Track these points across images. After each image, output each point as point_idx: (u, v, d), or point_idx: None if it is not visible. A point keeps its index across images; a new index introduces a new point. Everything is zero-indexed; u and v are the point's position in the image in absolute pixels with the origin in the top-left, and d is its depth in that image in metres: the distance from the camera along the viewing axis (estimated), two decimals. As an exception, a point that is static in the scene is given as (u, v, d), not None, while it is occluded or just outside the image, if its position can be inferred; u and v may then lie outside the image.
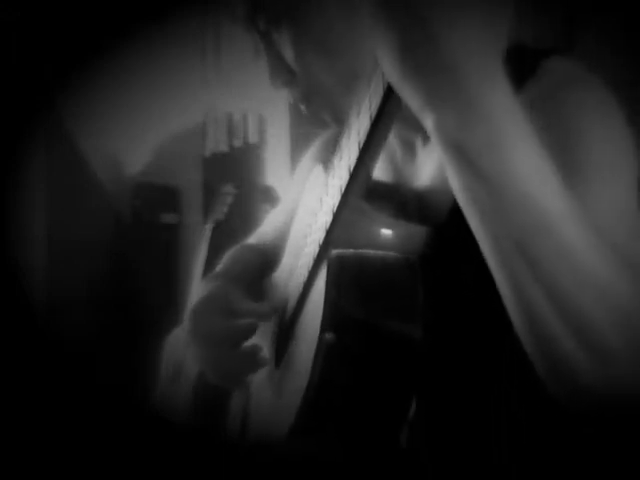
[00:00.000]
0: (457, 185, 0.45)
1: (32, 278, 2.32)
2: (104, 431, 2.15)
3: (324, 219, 0.65)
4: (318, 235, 0.66)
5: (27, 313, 2.18)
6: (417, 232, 0.64)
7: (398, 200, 0.71)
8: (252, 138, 2.68)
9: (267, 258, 0.96)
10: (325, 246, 0.65)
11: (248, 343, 0.78)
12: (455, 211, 0.65)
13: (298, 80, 0.72)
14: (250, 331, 0.77)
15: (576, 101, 0.61)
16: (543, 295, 0.44)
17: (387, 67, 0.44)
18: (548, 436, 0.64)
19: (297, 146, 2.50)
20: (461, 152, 0.43)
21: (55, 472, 2.06)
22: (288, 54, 0.71)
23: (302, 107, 0.75)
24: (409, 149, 0.79)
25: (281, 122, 2.60)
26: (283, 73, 0.72)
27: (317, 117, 0.75)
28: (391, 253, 0.63)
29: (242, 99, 2.69)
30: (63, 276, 2.43)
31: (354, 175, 0.58)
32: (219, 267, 0.97)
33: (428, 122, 0.44)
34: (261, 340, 0.87)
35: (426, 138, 0.76)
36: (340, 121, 0.74)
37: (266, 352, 0.82)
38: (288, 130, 2.58)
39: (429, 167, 0.73)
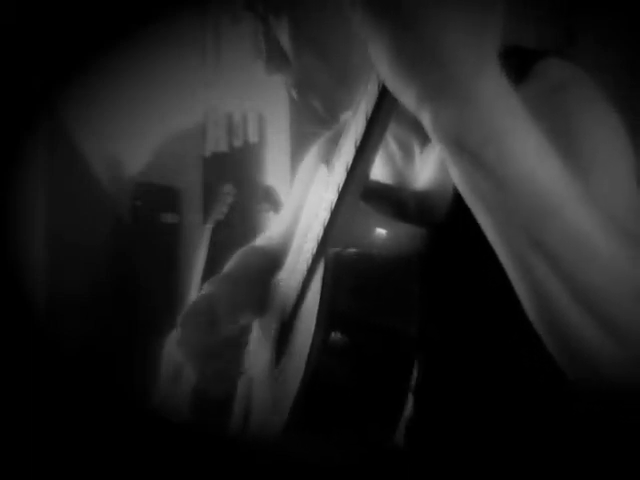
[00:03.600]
0: (460, 179, 0.45)
1: (32, 278, 2.32)
2: (104, 431, 2.15)
3: (323, 216, 0.65)
4: (316, 232, 0.67)
5: (27, 313, 2.18)
6: (415, 233, 0.65)
7: (397, 201, 0.72)
8: (252, 138, 2.68)
9: (273, 260, 0.96)
10: (323, 243, 0.65)
11: (233, 354, 0.82)
12: (453, 213, 0.66)
13: (292, 66, 0.72)
14: (233, 344, 0.80)
15: (569, 101, 0.62)
16: (554, 277, 0.45)
17: (380, 67, 0.44)
18: (554, 434, 0.64)
19: (297, 146, 2.50)
20: (461, 146, 0.43)
21: (55, 472, 2.06)
22: (284, 40, 0.71)
23: (293, 93, 0.75)
24: (408, 152, 0.79)
25: (281, 122, 2.60)
26: (278, 58, 0.72)
27: (307, 105, 0.76)
28: (388, 253, 0.63)
29: (242, 99, 2.69)
30: (63, 276, 2.43)
31: (351, 173, 0.59)
32: (224, 269, 0.99)
33: (425, 119, 0.44)
34: (263, 338, 0.88)
35: (423, 142, 0.76)
36: (331, 112, 0.75)
37: (248, 362, 0.84)
38: (288, 130, 2.59)
39: (427, 170, 0.74)
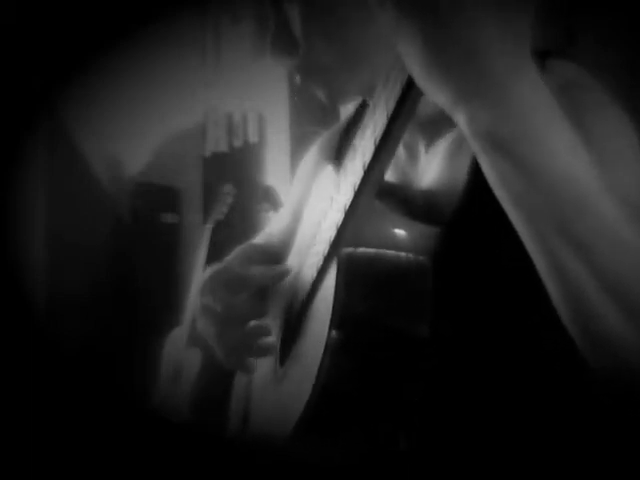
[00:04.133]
0: (494, 178, 0.46)
1: (32, 278, 2.32)
2: (104, 431, 2.15)
3: (336, 217, 0.65)
4: (329, 234, 0.66)
5: (27, 313, 2.18)
6: (427, 232, 0.65)
7: (405, 199, 0.72)
8: (252, 138, 2.68)
9: (272, 258, 0.96)
10: (336, 244, 0.65)
11: (258, 323, 0.80)
12: (460, 211, 0.65)
13: (300, 52, 0.72)
14: (256, 311, 0.80)
15: (577, 99, 0.62)
16: (586, 271, 0.45)
17: (413, 67, 0.44)
18: (562, 437, 0.64)
19: (297, 146, 2.49)
20: (497, 144, 0.44)
21: (55, 472, 2.06)
22: (295, 26, 0.71)
23: (297, 78, 0.75)
24: (412, 152, 0.79)
25: (281, 122, 2.60)
26: (286, 42, 0.72)
27: (310, 92, 0.75)
28: (402, 253, 0.63)
29: (242, 99, 2.69)
30: (63, 276, 2.43)
31: (368, 173, 0.58)
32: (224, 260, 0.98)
33: (460, 118, 0.44)
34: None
35: (428, 142, 0.76)
36: (332, 100, 0.75)
37: (274, 337, 0.82)
38: (288, 130, 2.58)
39: (433, 170, 0.74)
